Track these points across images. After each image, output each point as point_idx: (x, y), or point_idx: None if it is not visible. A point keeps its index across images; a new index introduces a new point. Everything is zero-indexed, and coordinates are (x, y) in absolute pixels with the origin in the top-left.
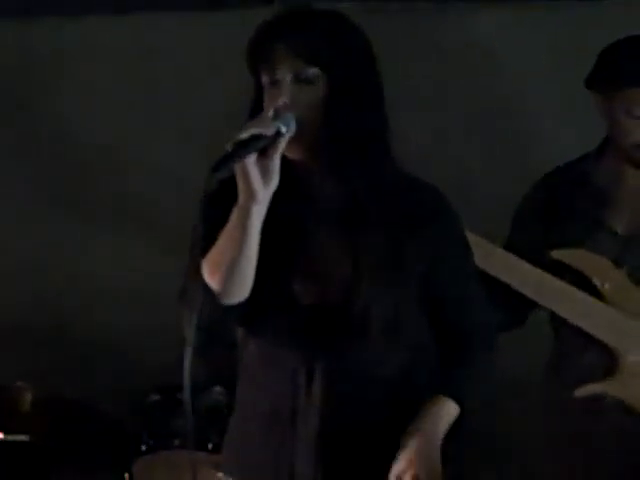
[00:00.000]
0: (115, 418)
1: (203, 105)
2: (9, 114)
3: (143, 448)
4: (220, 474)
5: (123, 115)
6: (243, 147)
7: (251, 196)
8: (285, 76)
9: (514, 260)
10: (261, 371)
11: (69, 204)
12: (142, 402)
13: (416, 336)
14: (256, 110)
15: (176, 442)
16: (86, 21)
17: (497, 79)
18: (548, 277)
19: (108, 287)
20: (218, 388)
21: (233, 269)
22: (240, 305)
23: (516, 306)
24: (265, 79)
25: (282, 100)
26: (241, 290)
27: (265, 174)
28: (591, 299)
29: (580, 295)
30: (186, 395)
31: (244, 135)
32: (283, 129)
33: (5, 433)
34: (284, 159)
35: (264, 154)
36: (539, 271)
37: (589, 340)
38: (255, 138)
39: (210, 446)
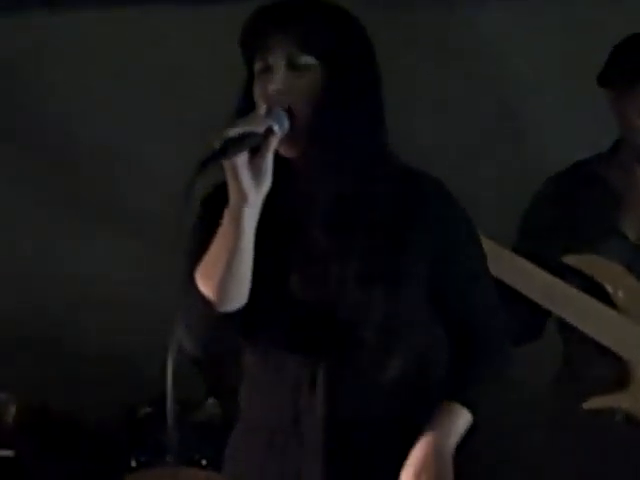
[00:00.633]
0: (104, 432)
1: (195, 103)
2: None
3: (133, 464)
4: None
5: (109, 113)
6: (232, 145)
7: (242, 198)
8: (278, 62)
9: (523, 263)
10: (263, 379)
11: (55, 204)
12: (133, 415)
13: (422, 338)
14: (246, 99)
15: (168, 458)
16: (72, 16)
17: (500, 78)
18: (558, 282)
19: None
20: (212, 400)
21: (228, 274)
22: (238, 312)
23: (530, 319)
24: (258, 65)
25: (274, 87)
26: (238, 296)
27: (257, 175)
28: (603, 307)
29: (592, 302)
30: (169, 408)
31: (233, 133)
32: (275, 127)
33: None
34: (277, 156)
35: (255, 153)
36: (549, 276)
37: (600, 350)
38: (245, 136)
39: (204, 462)
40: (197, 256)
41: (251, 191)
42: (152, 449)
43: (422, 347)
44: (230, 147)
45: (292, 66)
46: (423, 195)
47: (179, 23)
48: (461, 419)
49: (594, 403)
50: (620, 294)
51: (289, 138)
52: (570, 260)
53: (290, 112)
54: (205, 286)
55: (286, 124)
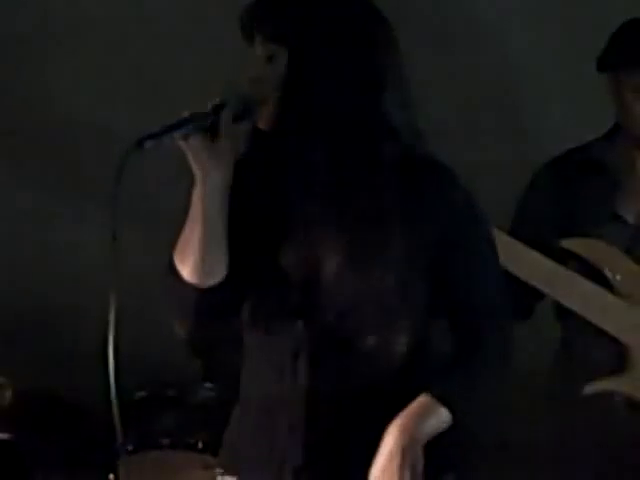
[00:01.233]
0: (99, 415)
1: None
2: None
3: (129, 447)
4: (217, 470)
5: (109, 96)
6: (174, 126)
7: (203, 178)
8: (258, 52)
9: (521, 248)
10: (255, 361)
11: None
12: (127, 399)
13: (418, 326)
14: None
15: (164, 441)
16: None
17: (498, 61)
18: (556, 267)
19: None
20: (208, 384)
21: (201, 250)
22: (221, 288)
23: (520, 298)
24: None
25: (249, 76)
26: (214, 269)
27: (215, 154)
28: (602, 290)
29: (590, 286)
30: (112, 394)
31: (184, 115)
32: (225, 108)
33: None
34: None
35: (213, 135)
36: (547, 260)
37: (598, 334)
38: (189, 119)
39: (200, 445)
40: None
41: (211, 171)
42: (147, 433)
43: (408, 329)
44: (169, 128)
45: (265, 55)
46: (423, 182)
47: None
48: (433, 417)
49: (593, 387)
50: (618, 278)
51: (264, 118)
52: (568, 244)
53: (261, 100)
54: (181, 267)
55: (236, 106)
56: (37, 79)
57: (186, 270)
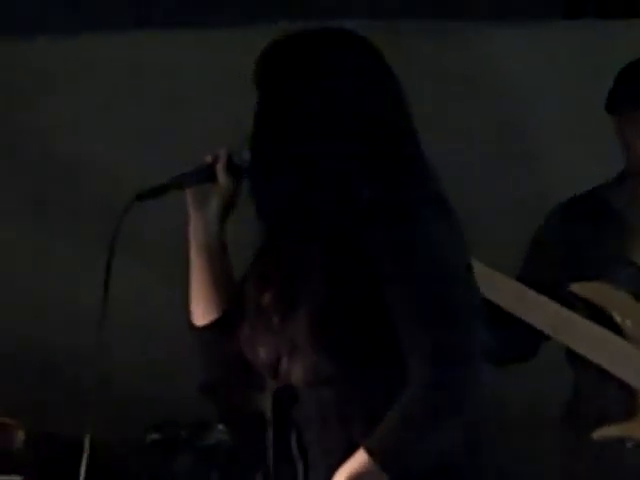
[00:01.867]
0: (114, 458)
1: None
2: None
3: None
4: None
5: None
6: (172, 185)
7: (191, 220)
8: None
9: (529, 293)
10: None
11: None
12: (141, 441)
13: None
14: None
15: None
16: (72, 40)
17: (500, 100)
18: (567, 312)
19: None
20: (221, 427)
21: (194, 291)
22: (218, 325)
23: (523, 336)
24: None
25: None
26: (207, 309)
27: (196, 200)
28: (612, 335)
29: (600, 331)
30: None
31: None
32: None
33: None
34: None
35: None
36: (556, 305)
37: (609, 379)
38: (188, 174)
39: None
40: None
41: (193, 214)
42: (161, 475)
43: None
44: (164, 188)
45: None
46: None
47: (168, 46)
48: (364, 470)
49: (604, 432)
50: (628, 323)
51: None
52: (578, 288)
53: None
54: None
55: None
56: (36, 126)
57: (194, 316)
